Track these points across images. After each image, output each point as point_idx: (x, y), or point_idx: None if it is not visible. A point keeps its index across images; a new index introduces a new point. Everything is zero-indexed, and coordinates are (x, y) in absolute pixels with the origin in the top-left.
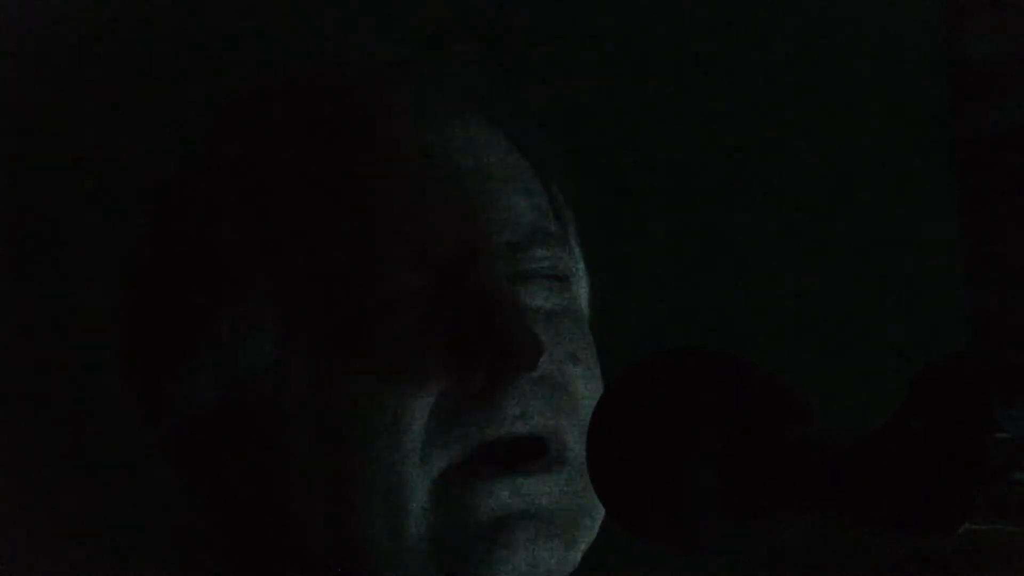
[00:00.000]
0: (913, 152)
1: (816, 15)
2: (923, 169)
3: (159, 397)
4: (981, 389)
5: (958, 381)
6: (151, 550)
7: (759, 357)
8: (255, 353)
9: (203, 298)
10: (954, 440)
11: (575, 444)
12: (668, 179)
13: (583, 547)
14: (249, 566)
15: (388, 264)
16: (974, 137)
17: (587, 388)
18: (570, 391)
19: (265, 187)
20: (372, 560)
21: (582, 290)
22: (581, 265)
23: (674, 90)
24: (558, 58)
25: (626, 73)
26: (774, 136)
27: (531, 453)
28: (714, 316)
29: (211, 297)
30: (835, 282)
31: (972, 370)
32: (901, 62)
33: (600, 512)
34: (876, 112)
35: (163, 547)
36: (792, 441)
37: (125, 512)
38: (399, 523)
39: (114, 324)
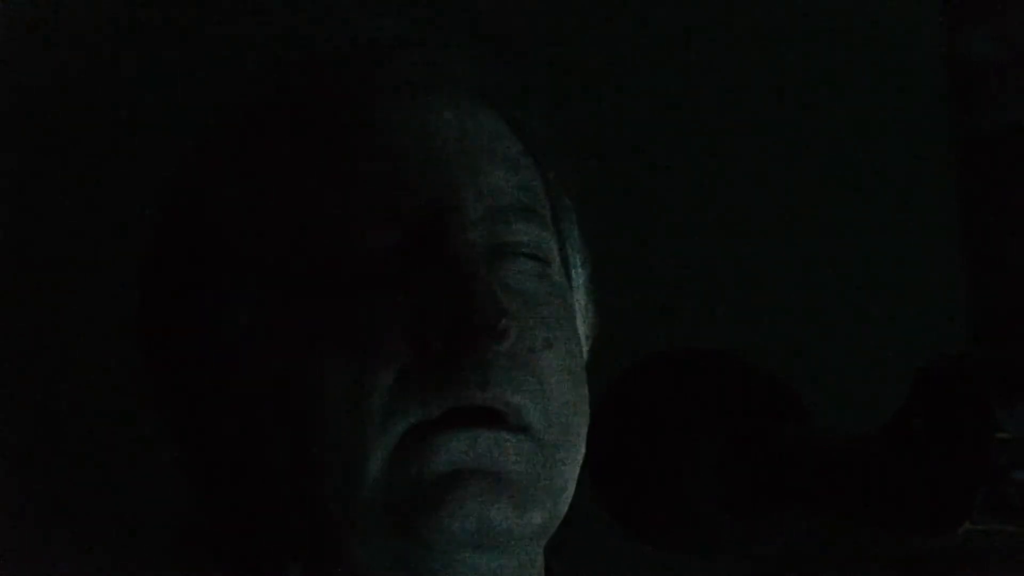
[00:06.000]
0: (913, 152)
1: (816, 15)
2: (923, 169)
3: (154, 363)
4: (981, 389)
5: (958, 381)
6: (142, 540)
7: (759, 357)
8: (236, 318)
9: (194, 268)
10: (954, 440)
11: (539, 423)
12: (666, 177)
13: (539, 515)
14: (234, 541)
15: (358, 221)
16: (974, 137)
17: (559, 375)
18: (538, 375)
19: (250, 159)
20: (332, 518)
21: (579, 281)
22: (579, 256)
23: (671, 88)
24: (564, 56)
25: (623, 74)
26: (773, 136)
27: (489, 420)
28: (713, 316)
29: (201, 267)
30: (835, 282)
31: (972, 370)
32: (901, 62)
33: (565, 490)
34: (876, 112)
35: (156, 536)
36: (792, 441)
37: (117, 496)
38: (355, 483)
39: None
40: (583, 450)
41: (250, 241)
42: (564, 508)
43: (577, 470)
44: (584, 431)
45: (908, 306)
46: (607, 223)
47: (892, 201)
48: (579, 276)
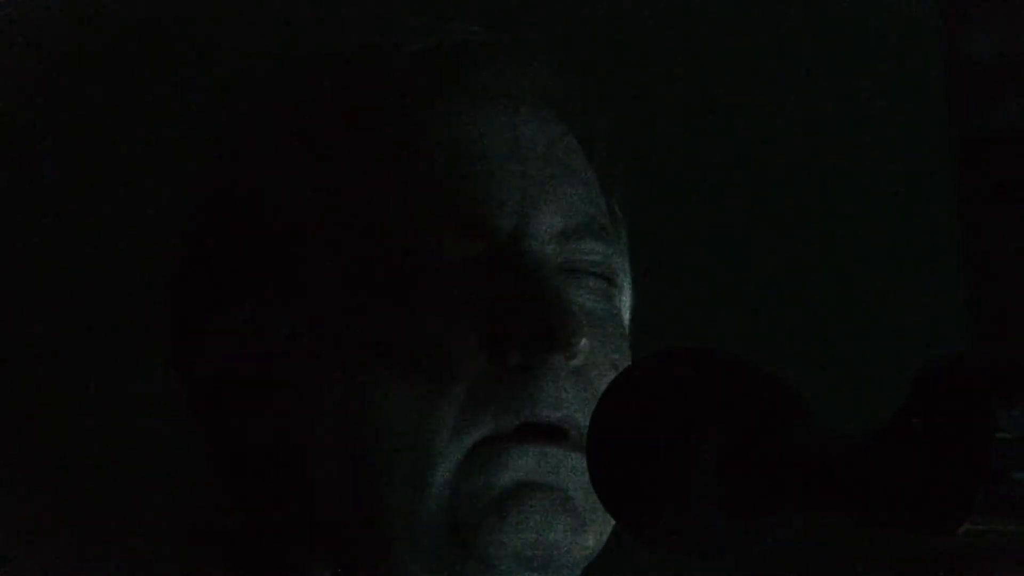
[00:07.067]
0: (913, 152)
1: (816, 15)
2: (923, 169)
3: (194, 346)
4: (981, 389)
5: (958, 381)
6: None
7: (760, 357)
8: (297, 314)
9: (258, 256)
10: (954, 440)
11: None
12: (663, 179)
13: (592, 537)
14: (260, 542)
15: (439, 230)
16: (974, 137)
17: None
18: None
19: (327, 153)
20: (387, 528)
21: (626, 304)
22: (628, 281)
23: (670, 88)
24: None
25: (622, 74)
26: (774, 136)
27: (555, 437)
28: (714, 316)
29: (266, 256)
30: (835, 282)
31: (972, 370)
32: (901, 62)
33: None
34: (876, 112)
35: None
36: (793, 441)
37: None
38: (420, 494)
39: (160, 280)
40: None
41: (316, 245)
42: (609, 531)
43: None
44: None
45: (908, 306)
46: None
47: (892, 201)
48: (626, 293)
